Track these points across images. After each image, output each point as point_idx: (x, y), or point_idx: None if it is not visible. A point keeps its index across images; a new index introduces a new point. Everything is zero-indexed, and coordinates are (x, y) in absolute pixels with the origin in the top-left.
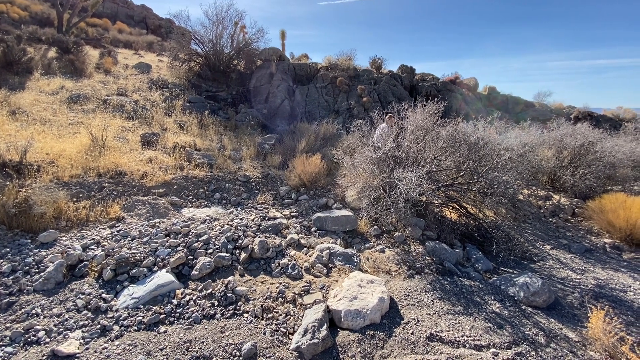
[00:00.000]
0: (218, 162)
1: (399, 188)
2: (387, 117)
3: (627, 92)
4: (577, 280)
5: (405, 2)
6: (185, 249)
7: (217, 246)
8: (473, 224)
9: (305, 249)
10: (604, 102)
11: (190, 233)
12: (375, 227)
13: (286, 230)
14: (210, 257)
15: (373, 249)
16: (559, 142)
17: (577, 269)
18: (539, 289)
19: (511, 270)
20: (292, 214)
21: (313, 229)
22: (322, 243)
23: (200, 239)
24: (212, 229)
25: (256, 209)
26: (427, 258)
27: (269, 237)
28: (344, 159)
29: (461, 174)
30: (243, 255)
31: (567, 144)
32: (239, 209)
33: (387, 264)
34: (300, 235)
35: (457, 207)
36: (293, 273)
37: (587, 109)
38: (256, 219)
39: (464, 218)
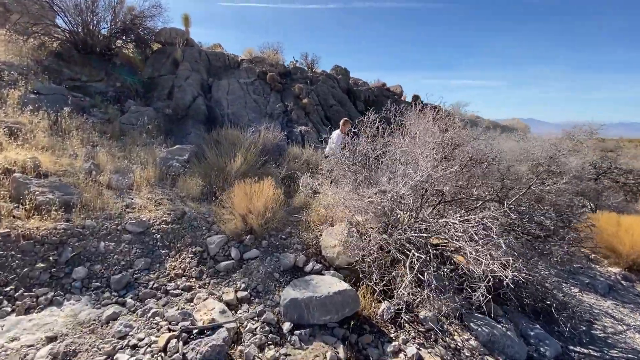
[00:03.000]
0: (85, 197)
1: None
2: (341, 122)
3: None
4: None
5: (310, 13)
6: None
7: None
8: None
9: None
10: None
11: None
12: (386, 301)
13: (239, 349)
14: None
15: (402, 356)
16: (527, 154)
17: (637, 326)
18: None
19: (586, 351)
20: (239, 294)
21: (286, 325)
22: None
23: None
24: None
25: (167, 294)
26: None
27: None
28: (326, 190)
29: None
30: None
31: (535, 156)
32: (127, 299)
33: None
34: (267, 353)
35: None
36: None
37: (491, 120)
38: (171, 339)
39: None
